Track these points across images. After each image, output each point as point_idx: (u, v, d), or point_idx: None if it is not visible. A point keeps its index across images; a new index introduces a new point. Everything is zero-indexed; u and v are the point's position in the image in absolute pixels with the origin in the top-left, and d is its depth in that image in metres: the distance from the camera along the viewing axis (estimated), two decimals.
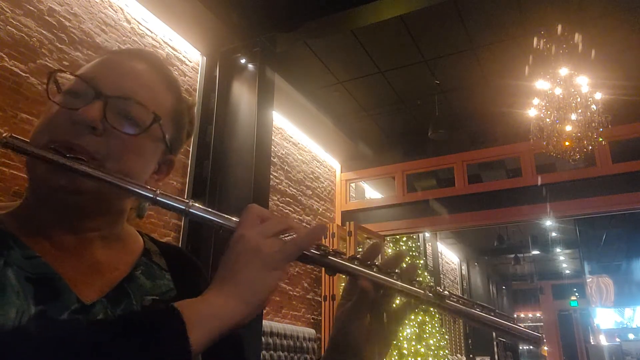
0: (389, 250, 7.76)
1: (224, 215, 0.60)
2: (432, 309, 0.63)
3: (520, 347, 17.00)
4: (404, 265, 0.66)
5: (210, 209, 0.60)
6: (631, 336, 12.89)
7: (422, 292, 0.62)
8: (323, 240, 0.64)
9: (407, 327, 7.34)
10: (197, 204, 0.60)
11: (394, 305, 0.67)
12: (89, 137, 0.63)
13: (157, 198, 0.59)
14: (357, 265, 0.62)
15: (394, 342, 0.73)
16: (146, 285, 0.70)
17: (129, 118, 0.66)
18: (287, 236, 0.58)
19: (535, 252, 12.90)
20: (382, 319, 0.67)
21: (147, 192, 0.60)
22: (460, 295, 0.63)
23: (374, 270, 0.62)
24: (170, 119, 0.72)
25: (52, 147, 0.61)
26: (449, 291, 0.62)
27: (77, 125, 0.63)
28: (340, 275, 0.65)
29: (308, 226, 0.62)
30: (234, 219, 0.60)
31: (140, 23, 4.10)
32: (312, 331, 5.84)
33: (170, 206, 0.60)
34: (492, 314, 0.62)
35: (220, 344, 0.53)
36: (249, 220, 0.58)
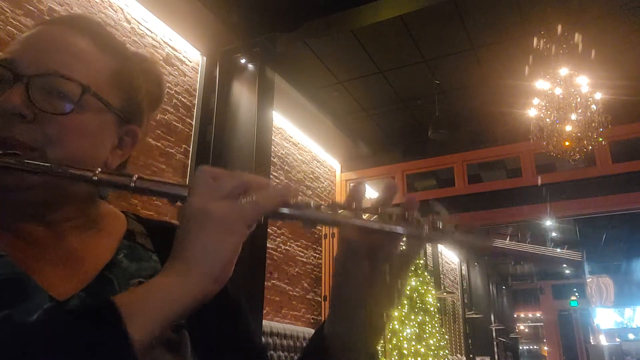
0: None
1: (175, 184, 0.53)
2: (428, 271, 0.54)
3: (520, 347, 17.00)
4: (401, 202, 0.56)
5: (159, 180, 0.54)
6: (631, 336, 12.88)
7: (420, 230, 0.52)
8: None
9: (407, 327, 7.34)
10: (144, 177, 0.53)
11: (395, 253, 0.59)
12: (19, 126, 0.56)
13: (96, 178, 0.53)
14: (339, 212, 0.53)
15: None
16: (131, 269, 0.64)
17: (57, 95, 0.58)
18: (244, 199, 0.50)
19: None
20: (382, 268, 0.59)
21: (84, 173, 0.53)
22: (472, 225, 0.53)
23: (360, 214, 0.53)
24: (112, 84, 0.63)
25: None
26: (457, 223, 0.53)
27: (2, 117, 0.56)
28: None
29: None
30: (187, 186, 0.52)
31: (140, 23, 4.10)
32: (312, 331, 5.82)
33: (114, 184, 0.53)
34: (511, 240, 0.52)
35: (213, 312, 0.49)
36: (199, 185, 0.50)
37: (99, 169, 0.53)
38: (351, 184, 0.58)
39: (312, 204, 0.53)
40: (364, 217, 0.54)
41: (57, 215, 0.62)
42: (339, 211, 0.53)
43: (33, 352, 0.40)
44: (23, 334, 0.43)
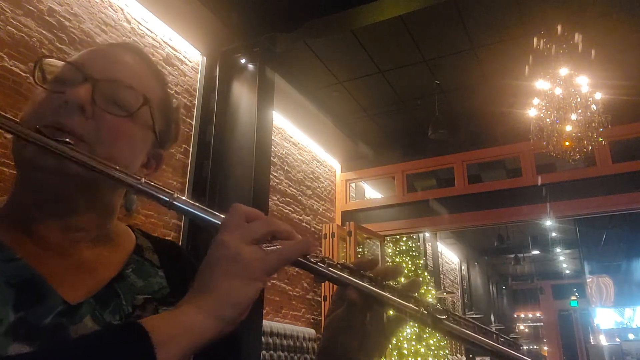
0: (389, 250, 7.76)
1: (210, 210, 0.56)
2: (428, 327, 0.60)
3: (520, 347, 16.99)
4: (407, 279, 0.63)
5: (196, 203, 0.56)
6: (631, 336, 12.87)
7: (416, 309, 0.57)
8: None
9: (407, 327, 7.34)
10: (182, 197, 0.56)
11: (387, 317, 0.65)
12: (78, 118, 0.61)
13: (140, 186, 0.55)
14: (347, 274, 0.58)
15: (386, 351, 0.69)
16: (137, 284, 0.67)
17: (118, 101, 0.64)
18: (270, 246, 0.54)
19: (535, 252, 12.91)
20: (372, 330, 0.65)
21: (130, 179, 0.56)
22: (462, 316, 0.60)
23: (365, 281, 0.59)
24: (159, 109, 0.70)
25: (39, 128, 0.57)
26: (449, 311, 0.58)
27: (65, 107, 0.61)
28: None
29: (295, 224, 0.58)
30: (222, 215, 0.55)
31: (140, 23, 4.10)
32: (312, 331, 5.83)
33: (154, 196, 0.56)
34: (494, 337, 0.58)
35: (216, 343, 0.51)
36: (231, 222, 0.53)
37: (144, 179, 0.56)
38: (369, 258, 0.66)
39: (325, 260, 0.58)
40: (367, 283, 0.59)
41: (75, 221, 0.64)
42: (346, 272, 0.58)
43: None
44: (54, 355, 0.44)
